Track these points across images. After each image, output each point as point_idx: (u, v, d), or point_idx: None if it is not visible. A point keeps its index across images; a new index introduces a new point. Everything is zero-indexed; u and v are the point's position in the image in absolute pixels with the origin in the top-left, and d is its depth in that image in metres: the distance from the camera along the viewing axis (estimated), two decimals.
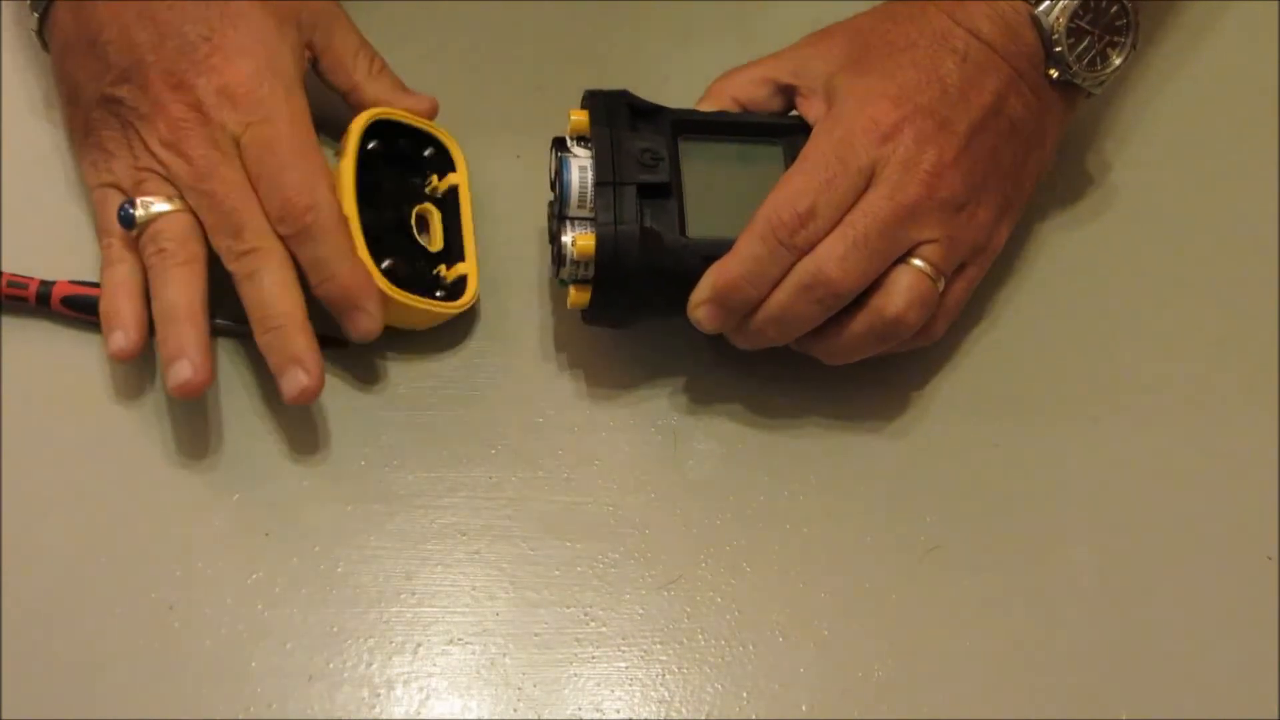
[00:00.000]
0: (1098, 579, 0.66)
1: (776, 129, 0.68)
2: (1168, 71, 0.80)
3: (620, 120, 0.66)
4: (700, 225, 0.65)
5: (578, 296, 0.66)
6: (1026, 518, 0.67)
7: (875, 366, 0.70)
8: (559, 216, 0.66)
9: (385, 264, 0.67)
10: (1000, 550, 0.67)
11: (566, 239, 0.65)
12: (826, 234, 0.63)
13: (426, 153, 0.72)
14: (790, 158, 0.67)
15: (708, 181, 0.67)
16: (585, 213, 0.65)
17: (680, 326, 0.66)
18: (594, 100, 0.67)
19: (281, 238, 0.65)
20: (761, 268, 0.64)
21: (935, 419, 0.69)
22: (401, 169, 0.71)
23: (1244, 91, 0.80)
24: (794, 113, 0.69)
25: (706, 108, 0.70)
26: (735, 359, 0.70)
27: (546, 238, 0.70)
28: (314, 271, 0.65)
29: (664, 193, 0.65)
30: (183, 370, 0.64)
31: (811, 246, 0.63)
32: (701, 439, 0.68)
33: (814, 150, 0.65)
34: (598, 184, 0.65)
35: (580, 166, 0.65)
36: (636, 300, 0.66)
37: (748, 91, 0.69)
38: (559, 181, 0.66)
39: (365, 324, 0.66)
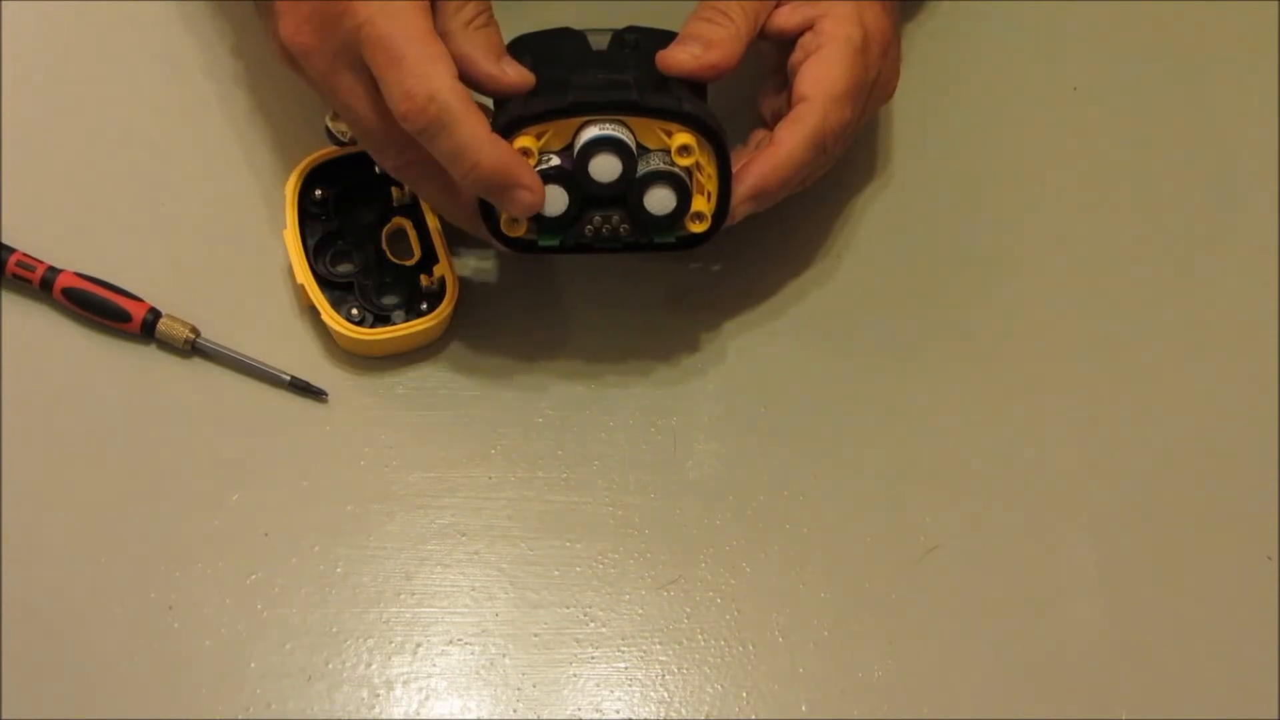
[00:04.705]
0: (1098, 579, 0.66)
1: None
2: (1168, 71, 0.80)
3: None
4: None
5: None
6: (1026, 517, 0.67)
7: (875, 366, 0.70)
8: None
9: (352, 312, 0.68)
10: (1000, 550, 0.66)
11: None
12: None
13: (376, 169, 0.70)
14: None
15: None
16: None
17: (674, 321, 0.66)
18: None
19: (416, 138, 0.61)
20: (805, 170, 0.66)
21: (934, 419, 0.69)
22: (360, 198, 0.71)
23: (1244, 91, 0.80)
24: None
25: None
26: (736, 359, 0.70)
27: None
28: (455, 165, 0.61)
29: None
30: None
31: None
32: (701, 439, 0.68)
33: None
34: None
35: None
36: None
37: None
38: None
39: (526, 200, 0.62)
